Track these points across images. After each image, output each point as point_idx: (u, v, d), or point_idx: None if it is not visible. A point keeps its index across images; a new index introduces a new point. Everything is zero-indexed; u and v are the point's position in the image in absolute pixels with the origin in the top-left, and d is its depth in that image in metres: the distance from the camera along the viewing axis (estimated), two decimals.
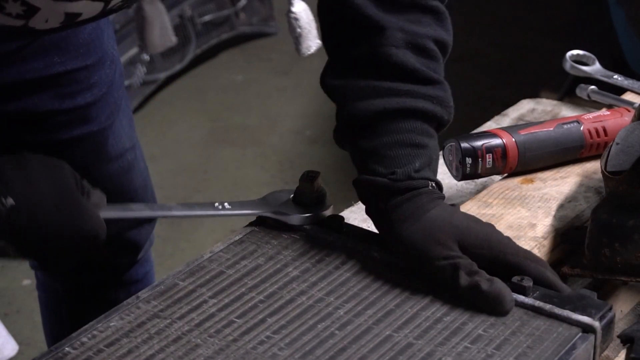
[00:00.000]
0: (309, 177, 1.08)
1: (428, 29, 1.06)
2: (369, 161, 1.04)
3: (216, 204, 1.05)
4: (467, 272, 0.97)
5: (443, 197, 1.05)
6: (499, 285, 0.96)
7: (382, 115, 1.04)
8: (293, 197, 1.09)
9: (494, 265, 0.98)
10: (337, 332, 0.93)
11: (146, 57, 3.26)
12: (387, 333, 0.93)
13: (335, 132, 1.09)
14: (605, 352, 0.98)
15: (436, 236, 0.99)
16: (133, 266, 1.52)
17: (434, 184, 1.04)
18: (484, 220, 1.04)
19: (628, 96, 1.47)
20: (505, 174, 1.29)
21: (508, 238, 1.01)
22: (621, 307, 1.07)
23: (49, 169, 0.96)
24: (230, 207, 1.06)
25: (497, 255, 0.99)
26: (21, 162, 0.94)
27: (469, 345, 0.91)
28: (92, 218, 0.97)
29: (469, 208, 1.21)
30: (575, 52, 1.51)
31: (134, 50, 3.21)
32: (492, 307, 0.95)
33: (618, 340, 1.01)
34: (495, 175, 1.30)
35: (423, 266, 1.00)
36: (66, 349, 0.90)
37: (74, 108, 1.30)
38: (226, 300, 0.96)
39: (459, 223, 1.00)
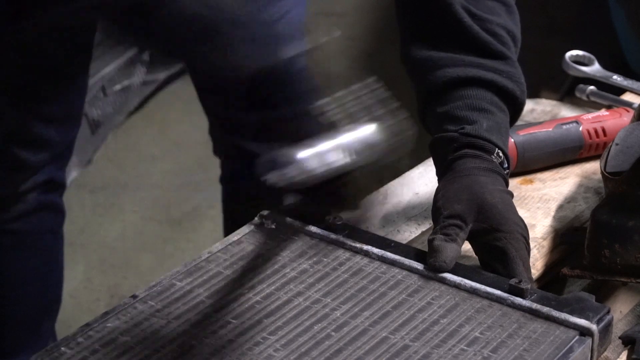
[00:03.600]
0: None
1: (497, 17, 1.14)
2: (442, 123, 1.11)
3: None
4: (440, 226, 1.01)
5: (502, 175, 1.07)
6: (445, 244, 0.99)
7: (453, 83, 1.12)
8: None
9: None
10: (333, 333, 0.92)
11: (146, 57, 3.25)
12: (384, 335, 0.92)
13: (418, 110, 1.15)
14: (605, 353, 0.98)
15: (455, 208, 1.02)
16: None
17: (501, 153, 1.08)
18: None
19: (627, 96, 1.47)
20: None
21: (518, 233, 1.02)
22: (620, 308, 1.07)
23: None
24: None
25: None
26: None
27: (465, 347, 0.91)
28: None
29: None
30: (574, 52, 1.51)
31: (133, 50, 3.20)
32: (429, 257, 0.99)
33: (619, 342, 1.01)
34: None
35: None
36: (62, 348, 0.90)
37: None
38: (223, 301, 0.96)
39: (482, 203, 1.02)
